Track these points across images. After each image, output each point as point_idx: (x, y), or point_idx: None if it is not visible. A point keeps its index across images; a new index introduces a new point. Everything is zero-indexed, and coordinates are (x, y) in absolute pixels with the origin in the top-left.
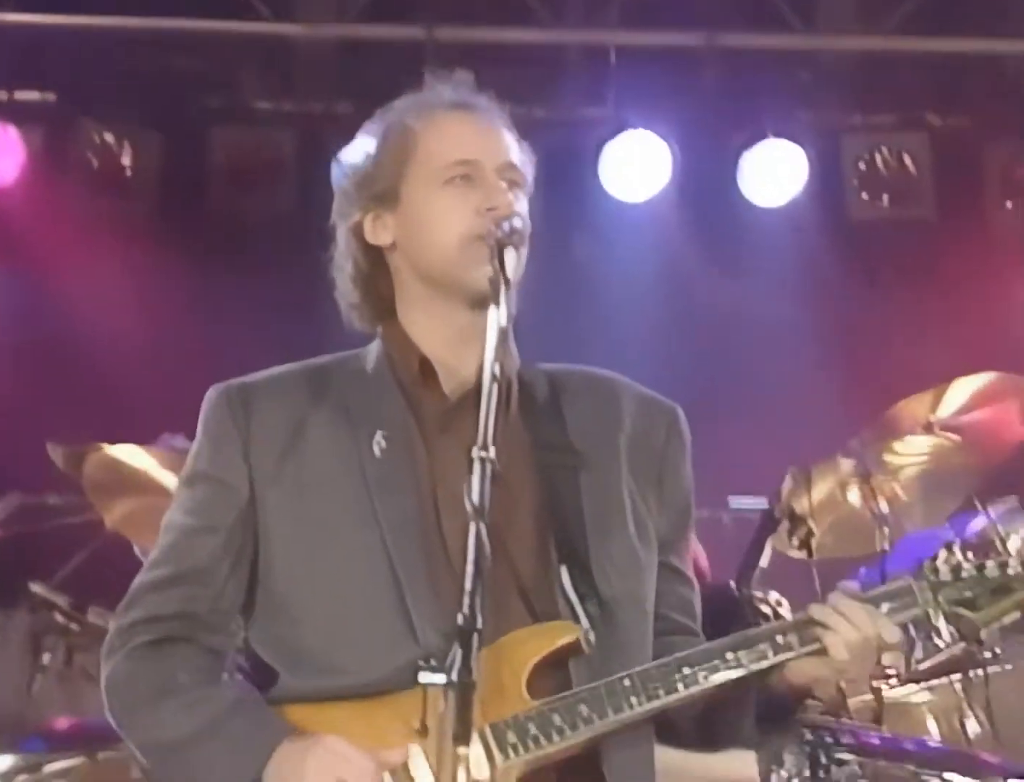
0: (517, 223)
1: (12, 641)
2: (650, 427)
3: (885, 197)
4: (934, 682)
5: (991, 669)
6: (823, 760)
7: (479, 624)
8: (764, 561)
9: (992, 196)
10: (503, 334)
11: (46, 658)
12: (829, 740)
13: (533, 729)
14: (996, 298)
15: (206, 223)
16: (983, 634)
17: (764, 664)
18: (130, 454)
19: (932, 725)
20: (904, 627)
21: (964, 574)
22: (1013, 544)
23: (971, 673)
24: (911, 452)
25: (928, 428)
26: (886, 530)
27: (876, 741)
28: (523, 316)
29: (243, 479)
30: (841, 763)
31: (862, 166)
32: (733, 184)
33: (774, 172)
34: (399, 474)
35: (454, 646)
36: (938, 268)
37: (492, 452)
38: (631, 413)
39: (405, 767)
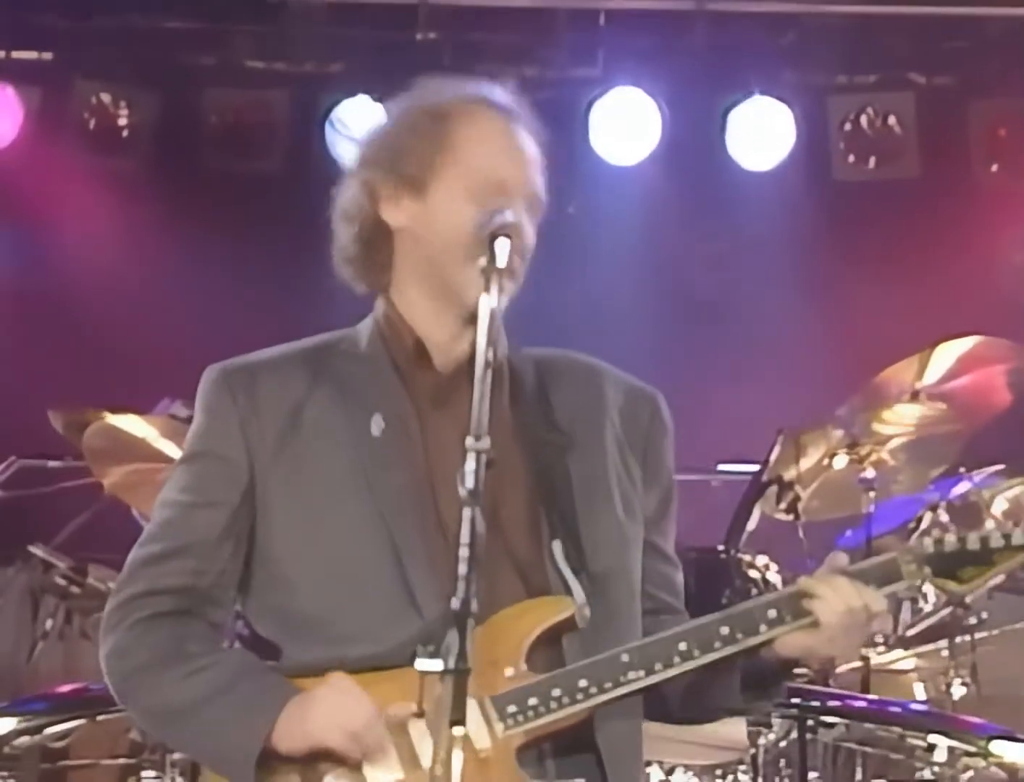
0: (509, 216)
1: (12, 602)
2: (634, 411)
3: (871, 158)
4: (921, 648)
5: (977, 634)
6: (810, 723)
7: (474, 608)
8: (752, 524)
9: (977, 157)
10: (494, 320)
11: (48, 623)
12: (816, 704)
13: (533, 700)
14: (982, 259)
15: (201, 182)
16: (968, 599)
17: (758, 639)
18: (129, 423)
19: (919, 689)
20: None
21: (947, 548)
22: (998, 507)
23: (957, 638)
24: (899, 421)
25: (915, 396)
26: (872, 494)
27: (862, 704)
28: None
29: (242, 456)
30: (828, 726)
31: (848, 127)
32: (721, 146)
33: (761, 133)
34: (396, 451)
35: (450, 631)
36: (924, 229)
37: (487, 442)
38: (615, 397)
39: (406, 733)
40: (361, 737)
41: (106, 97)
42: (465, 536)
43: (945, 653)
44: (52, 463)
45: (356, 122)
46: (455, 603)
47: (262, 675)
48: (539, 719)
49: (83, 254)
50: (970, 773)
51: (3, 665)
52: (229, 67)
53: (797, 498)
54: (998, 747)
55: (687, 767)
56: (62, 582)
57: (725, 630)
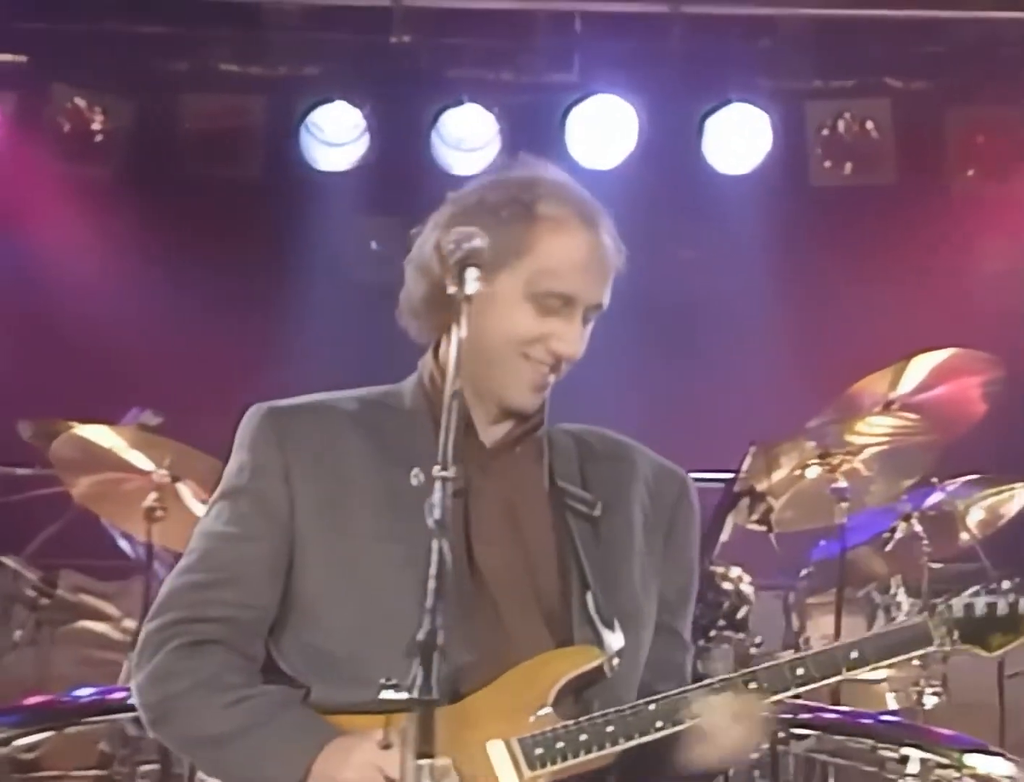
0: (477, 243)
1: None
2: (663, 490)
3: (848, 164)
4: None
5: None
6: (781, 735)
7: (440, 641)
8: (725, 535)
9: (954, 163)
10: (460, 351)
11: (17, 634)
12: (787, 715)
13: (560, 744)
14: (958, 265)
15: (176, 188)
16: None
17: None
18: (98, 433)
19: (891, 700)
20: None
21: (977, 612)
22: (974, 517)
23: None
24: (872, 432)
25: (888, 407)
26: (844, 504)
27: (834, 716)
28: None
29: (284, 500)
30: (800, 738)
31: (825, 133)
32: (698, 151)
33: (738, 138)
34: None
35: (414, 663)
36: (900, 236)
37: (452, 471)
38: (646, 475)
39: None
40: None
41: (81, 102)
42: (433, 568)
43: (917, 663)
44: (21, 471)
45: (332, 127)
46: (420, 634)
47: (303, 710)
48: (565, 762)
49: (56, 261)
50: None
51: None
52: (205, 72)
53: (770, 509)
54: (972, 759)
55: None
56: (32, 594)
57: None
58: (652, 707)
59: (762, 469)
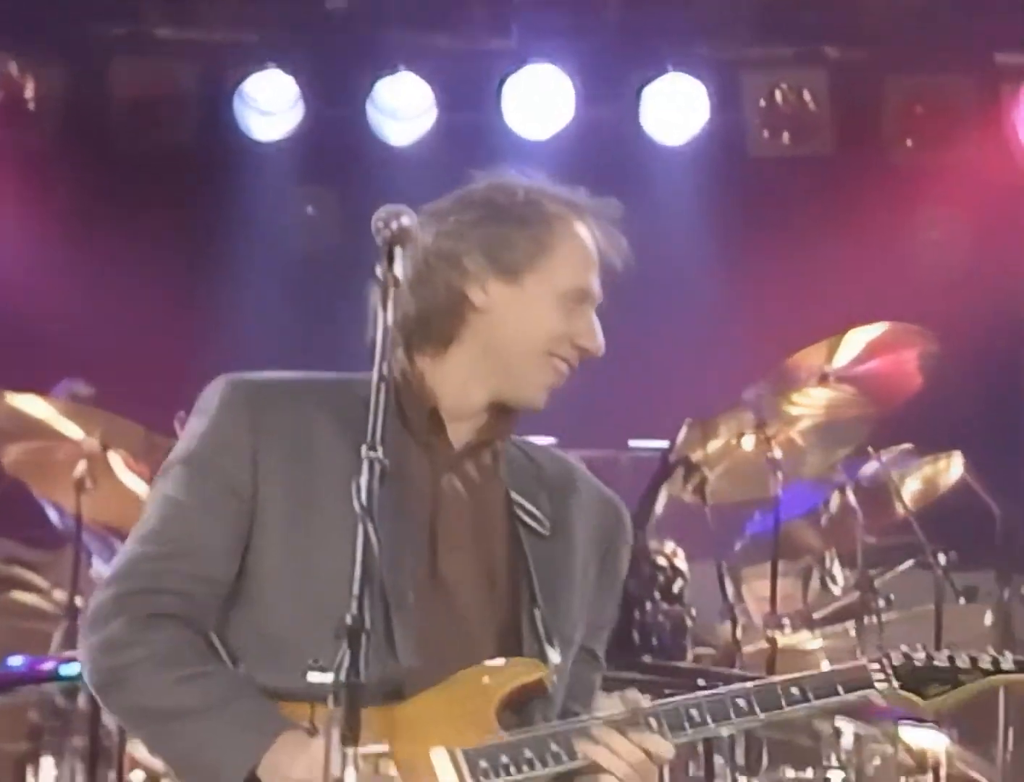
0: (405, 221)
1: None
2: (602, 522)
3: (785, 134)
4: (828, 628)
5: (885, 615)
6: None
7: (367, 625)
8: (659, 507)
9: (892, 133)
10: (387, 334)
11: None
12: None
13: (504, 758)
14: (896, 237)
15: (109, 156)
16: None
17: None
18: (29, 403)
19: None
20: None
21: (916, 662)
22: (910, 487)
23: (865, 619)
24: (808, 403)
25: (824, 379)
26: (779, 476)
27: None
28: None
29: (247, 476)
30: None
31: (762, 103)
32: (635, 121)
33: (675, 108)
34: (399, 499)
35: (342, 646)
36: (838, 207)
37: (380, 452)
38: (588, 503)
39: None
40: None
41: (13, 68)
42: (359, 553)
43: (853, 633)
44: None
45: (266, 95)
46: (347, 618)
47: (257, 698)
48: (508, 777)
49: None
50: (877, 760)
51: None
52: (138, 37)
53: (704, 480)
54: (906, 733)
55: None
56: None
57: (695, 712)
58: (596, 728)
59: (697, 439)
